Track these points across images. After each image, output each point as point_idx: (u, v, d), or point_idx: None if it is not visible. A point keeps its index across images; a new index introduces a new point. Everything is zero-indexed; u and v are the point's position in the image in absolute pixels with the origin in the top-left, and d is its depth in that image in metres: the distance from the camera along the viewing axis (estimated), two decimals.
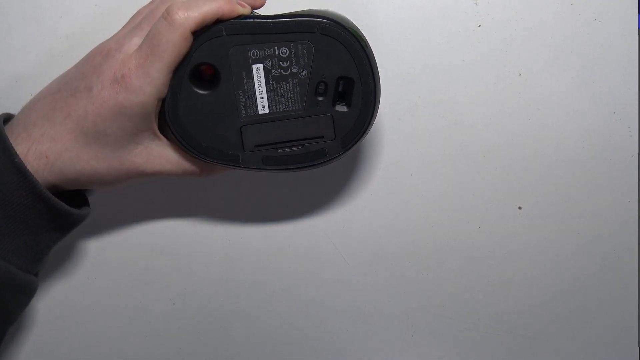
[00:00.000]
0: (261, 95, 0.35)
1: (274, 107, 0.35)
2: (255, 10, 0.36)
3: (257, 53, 0.34)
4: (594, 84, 0.42)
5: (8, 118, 0.37)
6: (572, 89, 0.42)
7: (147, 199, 0.44)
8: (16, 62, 0.42)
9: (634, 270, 0.45)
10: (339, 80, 0.35)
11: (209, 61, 0.34)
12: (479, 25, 0.42)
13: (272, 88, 0.35)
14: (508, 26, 0.42)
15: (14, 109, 0.39)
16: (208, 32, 0.33)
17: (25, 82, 0.42)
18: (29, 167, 0.33)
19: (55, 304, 0.44)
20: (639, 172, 0.43)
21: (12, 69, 0.42)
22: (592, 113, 0.43)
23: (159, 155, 0.36)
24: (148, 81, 0.33)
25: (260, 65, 0.34)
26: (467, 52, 0.42)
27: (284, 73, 0.35)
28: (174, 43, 0.32)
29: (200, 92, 0.35)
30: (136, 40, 0.34)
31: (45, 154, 0.34)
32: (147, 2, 0.38)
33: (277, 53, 0.34)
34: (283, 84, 0.35)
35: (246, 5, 0.35)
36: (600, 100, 0.42)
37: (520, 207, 0.44)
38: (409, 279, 0.45)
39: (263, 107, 0.35)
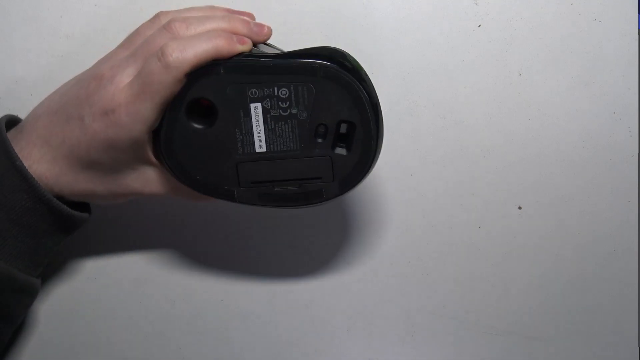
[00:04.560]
0: (259, 134, 0.34)
1: (271, 146, 0.34)
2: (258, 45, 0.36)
3: (255, 92, 0.33)
4: (594, 84, 0.42)
5: (10, 119, 0.37)
6: (572, 89, 0.42)
7: (147, 199, 0.44)
8: (16, 62, 0.42)
9: (634, 270, 0.45)
10: (340, 122, 0.34)
11: (206, 97, 0.33)
12: (479, 25, 0.42)
13: (270, 127, 0.34)
14: (508, 26, 0.42)
15: (14, 110, 0.39)
16: (206, 68, 0.33)
17: (25, 82, 0.42)
18: None
19: (56, 304, 0.44)
20: (639, 172, 0.43)
21: (12, 70, 0.42)
22: (592, 113, 0.42)
23: (155, 180, 0.36)
24: (137, 119, 0.32)
25: (259, 105, 0.33)
26: (467, 52, 0.42)
27: (283, 113, 0.34)
28: (165, 85, 0.32)
29: (197, 126, 0.34)
30: (129, 72, 0.33)
31: (45, 174, 0.34)
32: (147, 18, 0.37)
33: (276, 94, 0.33)
34: (282, 124, 0.34)
35: (247, 41, 0.33)
36: (600, 100, 0.42)
37: (520, 207, 0.44)
38: (409, 279, 0.45)
39: (260, 145, 0.34)
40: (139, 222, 0.44)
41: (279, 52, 0.34)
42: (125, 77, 0.33)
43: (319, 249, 0.44)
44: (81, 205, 0.38)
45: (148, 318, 0.45)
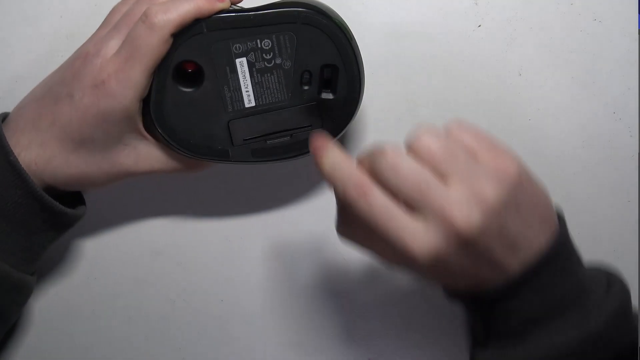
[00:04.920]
0: (247, 89, 0.35)
1: (260, 99, 0.35)
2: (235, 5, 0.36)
3: (239, 47, 0.34)
4: (594, 84, 0.42)
5: (6, 117, 0.37)
6: (572, 89, 0.42)
7: (146, 198, 0.44)
8: (16, 62, 0.42)
9: (634, 270, 0.45)
10: (323, 67, 0.35)
11: (191, 59, 0.34)
12: (479, 25, 0.42)
13: (257, 81, 0.35)
14: (508, 26, 0.42)
15: None
16: (189, 29, 0.33)
17: (25, 82, 0.41)
18: None
19: (55, 305, 0.44)
20: (639, 172, 0.43)
21: (12, 69, 0.42)
22: (592, 113, 0.42)
23: (147, 155, 0.36)
24: (128, 85, 0.33)
25: (244, 59, 0.34)
26: (467, 52, 0.42)
27: (268, 65, 0.35)
28: (153, 47, 0.32)
29: (185, 89, 0.35)
30: (114, 43, 0.33)
31: (35, 161, 0.34)
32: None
33: (259, 46, 0.34)
34: (268, 76, 0.35)
35: None
36: (600, 100, 0.42)
37: None
38: (409, 278, 0.45)
39: (249, 100, 0.35)
40: (138, 222, 0.44)
41: (257, 6, 0.35)
42: (111, 49, 0.33)
43: (319, 250, 0.44)
44: (76, 203, 0.38)
45: (148, 318, 0.45)
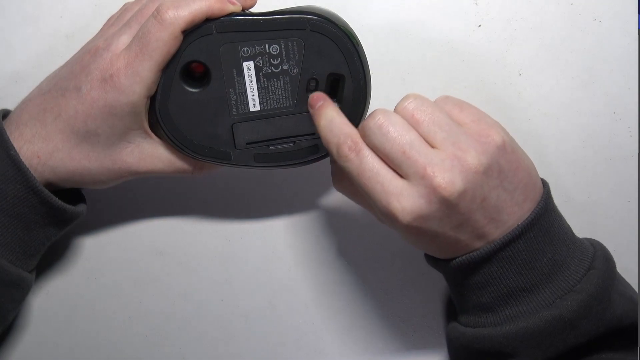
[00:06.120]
0: (252, 93, 0.35)
1: (265, 104, 0.35)
2: (245, 10, 0.37)
3: (247, 50, 0.34)
4: (594, 84, 0.42)
5: (6, 114, 0.37)
6: (572, 89, 0.42)
7: (148, 198, 0.44)
8: (16, 61, 0.42)
9: (634, 270, 0.45)
10: (330, 76, 0.35)
11: (199, 59, 0.34)
12: (479, 25, 0.42)
13: (263, 85, 0.35)
14: (508, 26, 0.42)
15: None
16: (198, 30, 0.34)
17: (25, 82, 0.42)
18: None
19: (55, 304, 0.44)
20: (639, 172, 0.43)
21: (12, 69, 0.42)
22: (592, 113, 0.43)
23: (151, 154, 0.36)
24: (137, 80, 0.33)
25: (251, 63, 0.35)
26: (467, 52, 0.42)
27: (275, 70, 0.35)
28: (163, 42, 0.32)
29: (191, 90, 0.35)
30: (124, 39, 0.34)
31: (37, 153, 0.34)
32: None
33: (267, 50, 0.34)
34: (274, 81, 0.35)
35: (237, 2, 0.35)
36: (600, 100, 0.42)
37: None
38: (410, 278, 0.45)
39: (254, 104, 0.35)
40: (139, 222, 0.44)
41: (267, 12, 0.35)
42: (121, 44, 0.34)
43: (319, 250, 0.44)
44: (77, 201, 0.38)
45: (148, 318, 0.45)
